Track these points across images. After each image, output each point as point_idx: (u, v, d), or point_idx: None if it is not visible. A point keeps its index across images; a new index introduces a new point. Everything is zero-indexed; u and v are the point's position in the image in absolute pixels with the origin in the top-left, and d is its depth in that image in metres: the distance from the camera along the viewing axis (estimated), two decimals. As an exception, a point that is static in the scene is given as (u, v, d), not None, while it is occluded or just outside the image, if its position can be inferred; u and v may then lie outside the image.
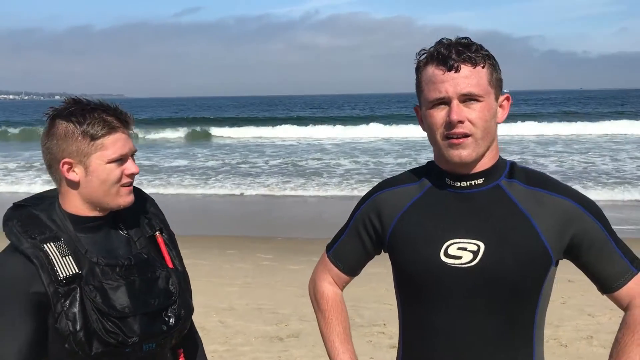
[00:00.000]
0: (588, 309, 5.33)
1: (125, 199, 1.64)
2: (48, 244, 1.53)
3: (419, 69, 1.51)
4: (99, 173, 1.58)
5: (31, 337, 1.50)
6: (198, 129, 30.28)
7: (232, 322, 5.40)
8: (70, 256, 1.55)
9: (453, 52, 1.44)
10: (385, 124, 30.20)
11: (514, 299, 1.48)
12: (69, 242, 1.57)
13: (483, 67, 1.46)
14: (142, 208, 1.76)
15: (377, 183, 1.70)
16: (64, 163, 1.57)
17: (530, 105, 59.21)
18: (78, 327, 1.50)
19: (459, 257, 1.48)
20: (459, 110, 1.44)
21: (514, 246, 1.46)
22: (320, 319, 1.72)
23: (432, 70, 1.46)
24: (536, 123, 29.35)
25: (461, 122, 1.44)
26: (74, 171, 1.58)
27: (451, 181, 1.53)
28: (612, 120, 28.62)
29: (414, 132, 24.56)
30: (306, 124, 31.91)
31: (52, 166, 1.60)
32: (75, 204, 1.61)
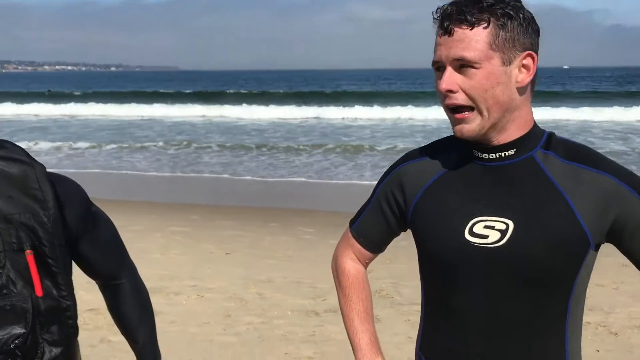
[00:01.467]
0: (643, 296, 5.05)
1: None
2: None
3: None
4: None
5: None
6: (244, 105, 30.05)
7: (269, 295, 5.37)
8: None
9: (454, 11, 1.28)
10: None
11: (544, 284, 1.32)
12: None
13: (486, 28, 1.27)
14: (19, 210, 1.32)
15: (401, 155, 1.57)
16: None
17: (595, 81, 57.20)
18: None
19: (485, 236, 1.33)
20: (449, 79, 1.30)
21: (546, 227, 1.30)
22: (341, 296, 1.62)
23: (436, 31, 1.34)
24: (593, 103, 27.89)
25: (451, 91, 1.30)
26: None
27: (479, 153, 1.37)
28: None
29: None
30: (358, 100, 31.17)
31: None
32: None
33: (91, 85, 68.27)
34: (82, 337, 3.74)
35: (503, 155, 1.35)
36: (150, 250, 6.76)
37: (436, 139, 1.54)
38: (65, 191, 1.43)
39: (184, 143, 17.51)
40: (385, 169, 1.57)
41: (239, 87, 55.53)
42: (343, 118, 25.75)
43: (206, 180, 12.05)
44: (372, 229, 1.57)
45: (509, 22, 1.28)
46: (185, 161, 14.37)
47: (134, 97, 37.36)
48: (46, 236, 1.35)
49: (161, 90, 47.24)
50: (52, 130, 22.45)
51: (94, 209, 1.55)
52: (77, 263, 1.54)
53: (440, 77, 1.32)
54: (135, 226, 7.83)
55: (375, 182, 1.60)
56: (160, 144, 17.31)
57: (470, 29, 1.27)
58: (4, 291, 1.31)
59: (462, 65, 1.29)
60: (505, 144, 1.34)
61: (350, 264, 1.62)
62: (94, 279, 1.66)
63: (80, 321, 4.14)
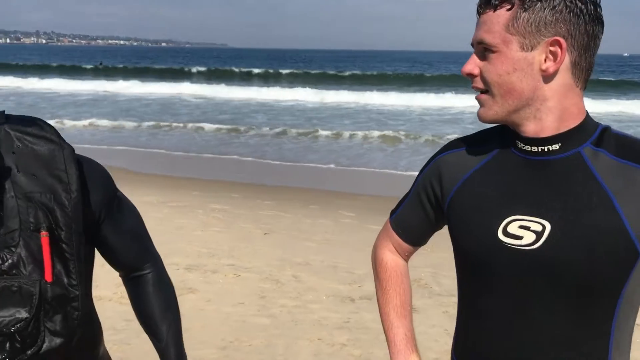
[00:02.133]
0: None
1: None
2: None
3: None
4: None
5: None
6: (289, 86, 29.85)
7: (305, 278, 5.35)
8: None
9: None
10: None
11: (583, 294, 1.20)
12: None
13: (509, 10, 1.19)
14: (41, 189, 1.28)
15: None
16: None
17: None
18: None
19: (520, 237, 1.24)
20: (469, 62, 1.26)
21: (586, 231, 1.18)
22: (378, 289, 1.56)
23: None
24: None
25: (471, 74, 1.26)
26: None
27: (522, 145, 1.27)
28: None
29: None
30: (405, 84, 30.42)
31: None
32: None
33: (140, 60, 69.45)
34: (118, 312, 3.80)
35: (547, 150, 1.24)
36: (191, 226, 6.83)
37: (481, 129, 1.44)
38: (91, 173, 1.41)
39: (228, 122, 17.62)
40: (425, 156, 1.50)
41: (288, 67, 55.45)
42: (390, 105, 25.35)
43: (246, 161, 12.11)
44: (411, 221, 1.50)
45: (538, 4, 1.17)
46: (225, 141, 14.45)
47: (179, 75, 37.70)
48: (64, 219, 1.29)
49: (202, 69, 47.62)
50: (102, 104, 22.92)
51: (120, 195, 1.51)
52: (99, 251, 1.51)
53: None
54: (177, 202, 7.93)
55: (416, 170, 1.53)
56: (203, 122, 17.44)
57: (494, 11, 1.21)
58: (14, 271, 1.26)
59: (486, 49, 1.23)
60: (549, 137, 1.23)
61: (389, 257, 1.55)
62: (117, 270, 1.60)
63: (117, 295, 4.20)
